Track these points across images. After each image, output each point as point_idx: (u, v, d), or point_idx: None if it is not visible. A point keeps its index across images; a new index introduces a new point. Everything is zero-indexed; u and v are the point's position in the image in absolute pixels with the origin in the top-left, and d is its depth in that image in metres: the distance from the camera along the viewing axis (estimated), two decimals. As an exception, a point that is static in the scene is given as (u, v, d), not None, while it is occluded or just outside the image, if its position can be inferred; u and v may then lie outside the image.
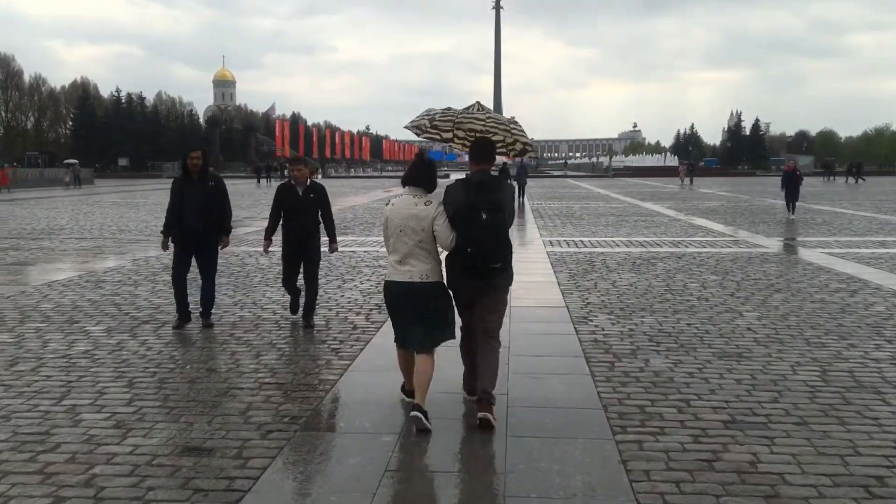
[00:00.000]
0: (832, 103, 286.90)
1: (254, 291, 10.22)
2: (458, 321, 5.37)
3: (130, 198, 38.31)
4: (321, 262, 8.60)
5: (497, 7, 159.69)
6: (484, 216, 4.94)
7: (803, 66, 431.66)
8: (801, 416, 5.17)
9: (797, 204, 23.35)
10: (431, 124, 5.64)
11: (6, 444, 4.72)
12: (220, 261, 8.76)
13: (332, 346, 7.19)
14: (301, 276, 8.29)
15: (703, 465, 4.35)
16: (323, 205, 8.25)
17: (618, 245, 15.56)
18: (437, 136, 5.69)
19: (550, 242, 16.16)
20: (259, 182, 63.36)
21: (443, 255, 5.14)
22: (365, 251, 14.65)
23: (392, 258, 5.04)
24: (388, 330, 6.43)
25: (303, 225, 8.07)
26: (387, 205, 5.16)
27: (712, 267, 12.29)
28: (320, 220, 8.25)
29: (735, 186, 49.63)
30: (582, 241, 16.30)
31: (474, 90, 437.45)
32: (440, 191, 5.14)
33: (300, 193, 8.09)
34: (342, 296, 9.80)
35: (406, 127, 5.87)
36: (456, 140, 5.65)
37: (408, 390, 5.37)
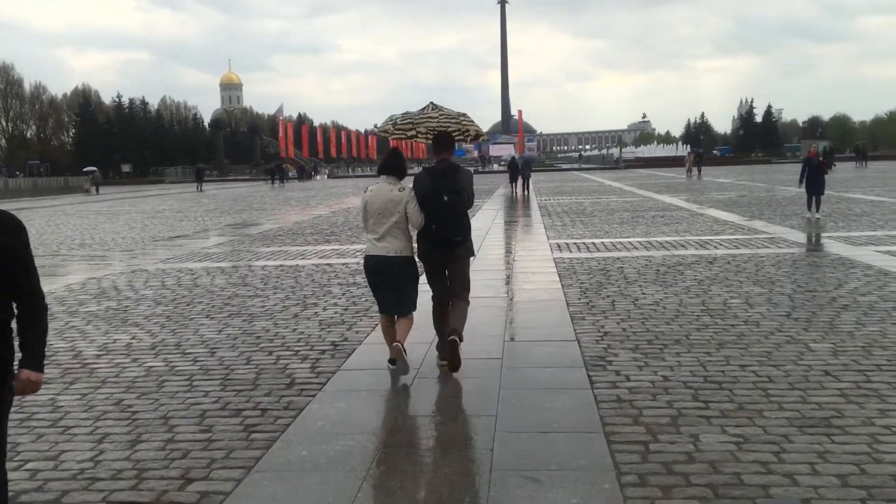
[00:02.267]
0: (844, 88, 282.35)
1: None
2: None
3: (139, 204, 36.49)
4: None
5: (502, 1, 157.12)
6: (445, 198, 5.86)
7: (814, 50, 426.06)
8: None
9: (822, 198, 18.35)
10: (395, 127, 6.50)
11: None
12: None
13: (246, 424, 5.15)
14: None
15: None
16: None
17: (635, 247, 13.48)
18: (403, 136, 6.57)
19: (558, 246, 14.10)
20: (273, 183, 61.98)
21: (414, 234, 6.06)
22: (343, 263, 12.63)
23: (371, 236, 5.98)
24: (333, 389, 5.77)
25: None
26: (365, 191, 6.09)
27: (753, 275, 10.20)
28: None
29: (751, 175, 47.29)
30: (594, 244, 14.22)
31: (482, 85, 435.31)
32: (409, 179, 6.05)
33: None
34: (294, 329, 7.77)
35: (375, 132, 7.25)
36: (419, 136, 6.45)
37: (393, 359, 5.91)
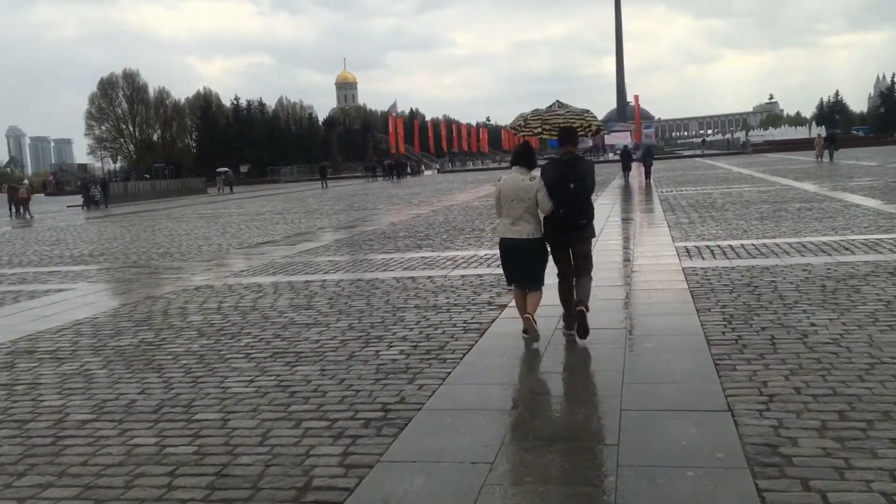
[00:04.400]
0: None
1: (218, 370, 6.57)
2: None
3: (266, 203, 36.24)
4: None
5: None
6: (571, 185, 6.46)
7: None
8: None
9: None
10: (525, 124, 7.29)
11: None
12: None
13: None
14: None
15: None
16: None
17: (786, 252, 10.95)
18: (531, 133, 7.34)
19: (687, 250, 11.74)
20: (390, 177, 62.91)
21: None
22: (429, 277, 10.80)
23: (505, 221, 6.65)
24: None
25: None
26: (499, 181, 6.82)
27: (961, 292, 7.62)
28: None
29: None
30: (732, 248, 11.76)
31: (596, 73, 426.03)
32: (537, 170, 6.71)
33: None
34: (341, 381, 5.94)
35: (506, 128, 7.48)
36: (545, 132, 7.20)
37: (526, 328, 6.56)
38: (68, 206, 48.79)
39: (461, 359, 6.34)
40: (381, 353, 6.71)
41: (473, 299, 8.95)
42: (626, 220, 17.31)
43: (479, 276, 10.65)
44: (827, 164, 39.44)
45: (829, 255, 10.43)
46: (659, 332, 6.82)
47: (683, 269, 10.13)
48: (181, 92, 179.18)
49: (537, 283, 6.70)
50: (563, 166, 6.61)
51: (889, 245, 10.92)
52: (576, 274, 6.77)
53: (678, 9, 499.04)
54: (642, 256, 11.53)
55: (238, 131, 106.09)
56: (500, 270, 10.29)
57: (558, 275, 6.92)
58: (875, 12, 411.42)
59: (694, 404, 4.89)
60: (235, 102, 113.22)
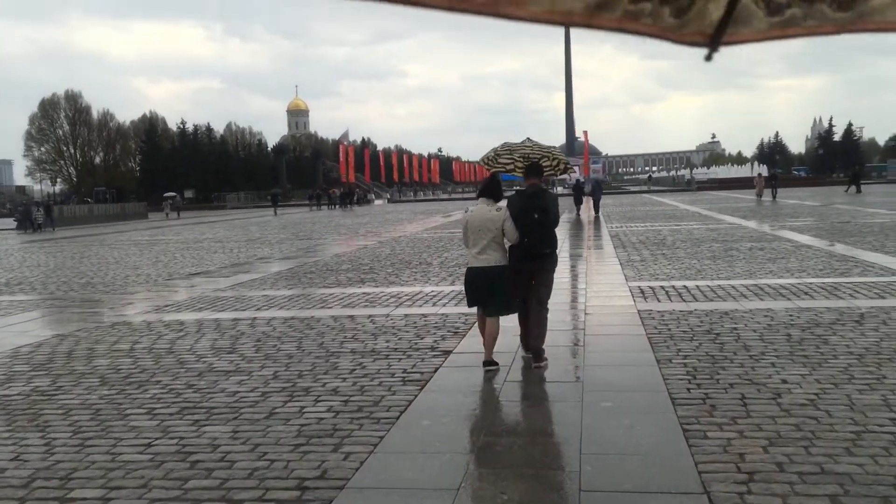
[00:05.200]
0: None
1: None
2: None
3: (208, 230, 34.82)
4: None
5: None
6: (535, 216, 6.76)
7: (889, 67, 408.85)
8: None
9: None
10: (498, 160, 7.73)
11: None
12: None
13: None
14: None
15: None
16: None
17: (744, 295, 10.46)
18: (502, 169, 7.71)
19: (641, 292, 11.18)
20: (341, 206, 62.89)
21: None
22: (369, 317, 9.99)
23: (473, 251, 6.84)
24: None
25: None
26: (466, 212, 7.11)
27: (934, 345, 7.14)
28: None
29: (840, 197, 43.04)
30: (687, 289, 11.24)
31: (547, 108, 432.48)
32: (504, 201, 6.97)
33: None
34: (254, 448, 5.09)
35: (479, 162, 8.57)
36: (517, 169, 7.60)
37: (487, 360, 6.85)
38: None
39: (397, 418, 5.56)
40: (305, 410, 5.88)
41: (416, 343, 8.19)
42: (577, 257, 16.78)
43: (424, 315, 9.89)
44: (769, 203, 39.82)
45: (789, 299, 9.96)
46: (617, 388, 6.14)
47: (639, 311, 9.54)
48: (129, 115, 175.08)
49: (501, 310, 6.90)
50: (527, 198, 6.89)
51: (848, 290, 10.53)
52: (535, 304, 7.01)
53: (625, 49, 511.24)
54: (595, 297, 10.93)
55: (183, 156, 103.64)
56: (445, 310, 9.52)
57: (521, 303, 7.06)
58: (812, 58, 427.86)
59: (664, 484, 4.19)
60: (182, 126, 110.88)
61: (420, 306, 10.73)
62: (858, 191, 48.50)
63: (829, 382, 6.02)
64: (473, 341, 8.15)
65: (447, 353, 7.66)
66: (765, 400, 5.63)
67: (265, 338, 8.84)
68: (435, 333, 8.69)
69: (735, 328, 8.26)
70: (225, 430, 5.46)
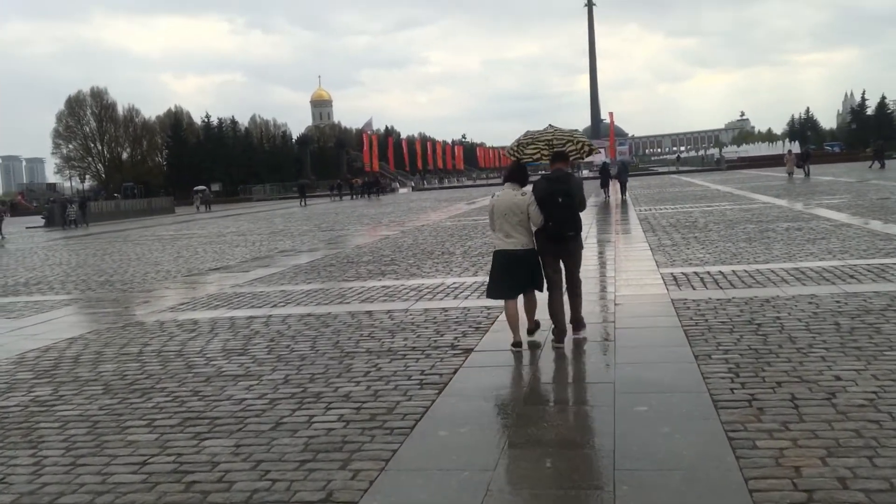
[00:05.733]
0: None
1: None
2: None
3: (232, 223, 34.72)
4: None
5: (589, 4, 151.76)
6: (560, 199, 6.82)
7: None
8: None
9: None
10: (522, 151, 7.75)
11: None
12: None
13: None
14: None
15: None
16: None
17: (784, 280, 9.85)
18: (529, 159, 7.79)
19: (674, 278, 10.62)
20: (369, 196, 63.08)
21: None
22: (388, 312, 9.55)
23: (499, 234, 7.01)
24: None
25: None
26: (492, 197, 7.19)
27: None
28: None
29: (874, 173, 41.73)
30: (723, 275, 10.65)
31: (570, 90, 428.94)
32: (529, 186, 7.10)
33: None
34: (255, 465, 4.67)
35: (506, 152, 8.49)
36: (543, 157, 7.73)
37: (516, 342, 6.98)
38: (26, 228, 46.92)
39: (412, 428, 5.11)
40: (314, 419, 5.45)
41: (435, 341, 7.73)
42: (605, 242, 16.20)
43: (444, 310, 9.43)
44: (800, 180, 38.67)
45: (834, 283, 9.35)
46: (653, 389, 5.62)
47: (673, 301, 8.99)
48: (155, 110, 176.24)
49: (536, 286, 7.10)
50: (552, 182, 7.00)
51: (897, 271, 9.87)
52: (569, 286, 7.24)
53: (650, 27, 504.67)
54: (625, 285, 10.39)
55: (209, 149, 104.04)
56: (467, 303, 9.12)
57: (548, 287, 7.19)
58: (840, 32, 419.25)
59: (711, 505, 3.69)
60: (206, 120, 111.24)
61: (441, 300, 10.27)
62: (882, 166, 47.10)
63: (887, 378, 5.46)
64: (496, 337, 7.69)
65: (468, 351, 7.20)
66: (818, 401, 5.09)
67: (279, 337, 8.44)
68: (455, 329, 8.23)
69: (778, 317, 7.69)
70: (227, 444, 5.04)
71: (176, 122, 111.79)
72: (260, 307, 10.64)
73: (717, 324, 7.62)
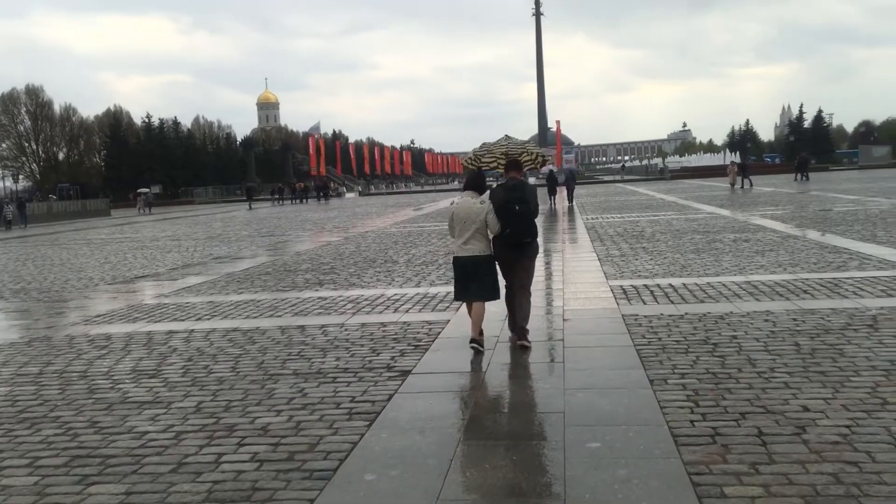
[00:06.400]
0: (891, 93, 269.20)
1: None
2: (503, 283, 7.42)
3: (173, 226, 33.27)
4: None
5: (537, 14, 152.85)
6: (517, 207, 7.06)
7: (858, 55, 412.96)
8: None
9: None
10: (476, 158, 8.48)
11: None
12: None
13: None
14: None
15: None
16: None
17: (737, 294, 9.48)
18: (487, 168, 8.40)
19: (624, 291, 10.17)
20: (319, 200, 61.83)
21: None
22: (321, 327, 8.87)
23: (458, 241, 7.23)
24: None
25: None
26: (451, 204, 7.71)
27: (967, 355, 6.17)
28: None
29: (815, 184, 42.53)
30: (674, 288, 10.24)
31: (519, 98, 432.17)
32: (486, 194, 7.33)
33: None
34: (161, 502, 3.96)
35: (463, 162, 9.20)
36: (499, 166, 8.21)
37: (474, 338, 7.13)
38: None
39: (335, 470, 4.45)
40: (224, 458, 4.75)
41: (370, 361, 7.08)
42: (552, 252, 15.75)
43: (383, 324, 8.79)
44: (742, 191, 38.99)
45: (789, 299, 8.99)
46: (606, 420, 5.07)
47: (623, 316, 8.51)
48: (97, 109, 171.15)
49: (488, 295, 7.25)
50: (508, 191, 7.22)
51: (850, 286, 9.59)
52: (518, 288, 7.43)
53: (597, 38, 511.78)
54: (574, 298, 9.89)
55: (149, 151, 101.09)
56: (407, 317, 8.63)
57: (506, 287, 7.54)
58: (781, 46, 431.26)
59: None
60: (147, 121, 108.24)
61: (380, 313, 9.62)
62: (807, 178, 47.98)
63: (858, 409, 5.01)
64: (436, 358, 7.09)
65: (405, 373, 6.57)
66: (787, 436, 4.60)
67: (198, 356, 7.67)
68: (393, 348, 7.59)
69: (734, 336, 7.25)
70: (116, 490, 4.31)
71: (115, 121, 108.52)
72: (183, 320, 9.84)
73: (671, 343, 7.14)
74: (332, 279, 13.17)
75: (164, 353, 7.89)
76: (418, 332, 8.24)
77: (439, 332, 8.17)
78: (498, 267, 7.39)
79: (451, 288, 10.85)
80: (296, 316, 9.72)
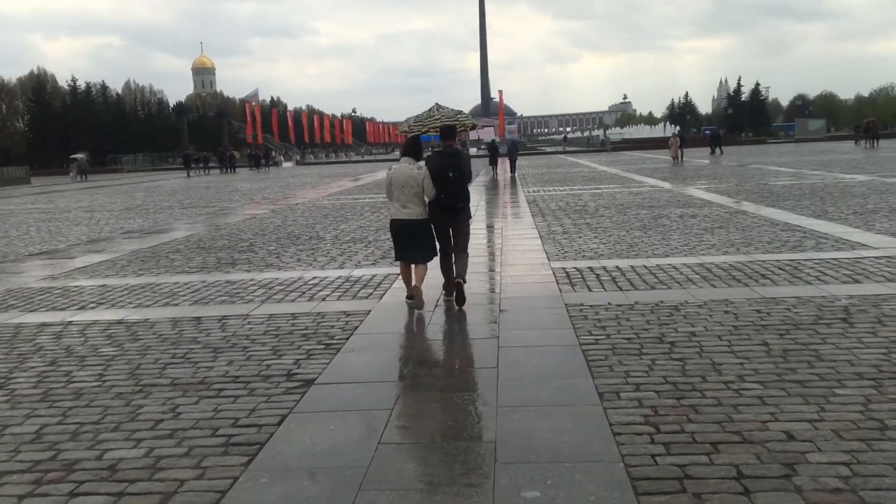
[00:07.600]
0: (825, 66, 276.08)
1: None
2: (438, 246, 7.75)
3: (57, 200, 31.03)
4: None
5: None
6: (450, 174, 7.49)
7: (794, 29, 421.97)
8: None
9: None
10: (410, 129, 8.48)
11: None
12: None
13: None
14: None
15: None
16: None
17: (690, 279, 8.58)
18: (419, 132, 8.40)
19: (567, 275, 9.19)
20: (258, 168, 59.86)
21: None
22: (220, 318, 7.63)
23: (396, 204, 7.58)
24: None
25: None
26: (389, 170, 7.73)
27: (960, 359, 5.33)
28: None
29: (753, 157, 42.51)
30: (621, 272, 9.30)
31: (462, 68, 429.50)
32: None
33: None
34: None
35: (399, 132, 9.69)
36: (432, 131, 8.32)
37: (409, 294, 7.64)
38: None
39: (186, 539, 3.30)
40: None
41: (268, 367, 5.92)
42: (491, 228, 14.72)
43: (293, 315, 7.62)
44: (685, 163, 38.55)
45: (747, 285, 8.12)
46: (547, 456, 4.02)
47: (567, 306, 7.51)
48: (20, 72, 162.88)
49: (426, 257, 7.68)
50: (444, 158, 7.61)
51: (811, 270, 8.78)
52: (455, 250, 7.84)
53: (539, 8, 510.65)
54: (512, 283, 8.87)
55: (76, 116, 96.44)
56: (323, 306, 7.34)
57: (440, 250, 7.87)
58: (719, 20, 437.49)
59: None
60: (73, 84, 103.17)
61: (293, 301, 8.44)
62: (721, 152, 48.16)
63: (854, 437, 4.08)
64: (347, 360, 5.98)
65: (307, 383, 5.43)
66: (774, 479, 3.63)
67: (63, 359, 6.39)
68: (299, 347, 6.43)
69: (693, 333, 6.30)
70: None
71: (39, 84, 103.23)
72: (63, 309, 8.49)
73: (621, 341, 6.16)
74: (247, 258, 11.88)
75: (23, 355, 6.58)
76: (332, 327, 7.09)
77: (356, 327, 7.05)
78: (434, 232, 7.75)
79: (377, 270, 9.83)
80: (194, 305, 8.46)
